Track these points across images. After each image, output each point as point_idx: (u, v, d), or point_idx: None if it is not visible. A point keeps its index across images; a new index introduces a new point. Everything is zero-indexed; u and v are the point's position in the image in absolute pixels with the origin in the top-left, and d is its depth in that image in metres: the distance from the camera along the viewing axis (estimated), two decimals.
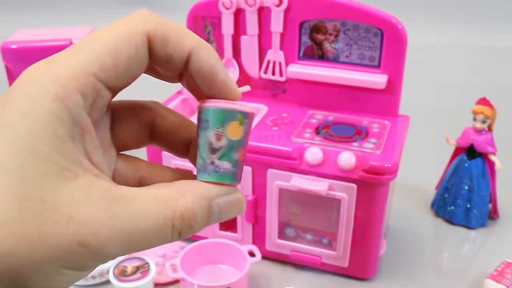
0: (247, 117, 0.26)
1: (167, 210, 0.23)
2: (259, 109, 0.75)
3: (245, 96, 0.81)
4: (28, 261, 0.21)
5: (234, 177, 0.26)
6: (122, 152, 0.28)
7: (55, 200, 0.21)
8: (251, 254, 0.68)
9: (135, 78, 0.25)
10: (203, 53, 0.24)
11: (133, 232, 0.22)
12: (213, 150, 0.26)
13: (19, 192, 0.21)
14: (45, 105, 0.21)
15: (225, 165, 0.26)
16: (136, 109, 0.28)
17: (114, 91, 0.24)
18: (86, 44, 0.23)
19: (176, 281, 0.69)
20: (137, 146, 0.29)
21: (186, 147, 0.29)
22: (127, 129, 0.28)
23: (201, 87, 0.26)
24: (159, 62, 0.25)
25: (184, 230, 0.24)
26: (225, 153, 0.26)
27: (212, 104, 0.25)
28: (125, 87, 0.25)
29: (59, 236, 0.21)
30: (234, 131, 0.26)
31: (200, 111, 0.26)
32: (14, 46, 0.85)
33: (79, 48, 0.23)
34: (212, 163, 0.26)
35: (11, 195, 0.21)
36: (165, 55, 0.24)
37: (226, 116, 0.25)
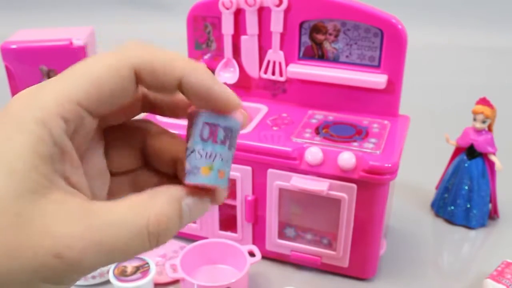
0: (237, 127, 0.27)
1: (141, 216, 0.24)
2: (259, 109, 0.75)
3: (245, 96, 0.82)
4: (5, 272, 0.21)
5: (222, 179, 0.26)
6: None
7: (30, 214, 0.22)
8: (251, 254, 0.68)
9: (122, 106, 0.26)
10: (194, 77, 0.25)
11: (109, 243, 0.23)
12: (209, 162, 0.26)
13: None
14: (29, 127, 0.23)
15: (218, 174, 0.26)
16: (127, 133, 0.29)
17: (100, 115, 0.25)
18: (73, 72, 0.24)
19: (176, 281, 0.69)
20: (131, 168, 0.30)
21: (174, 165, 0.29)
22: (119, 154, 0.29)
23: (197, 105, 0.26)
24: (151, 89, 0.26)
25: (161, 236, 0.24)
26: (219, 166, 0.26)
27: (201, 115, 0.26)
28: (111, 111, 0.26)
29: (35, 248, 0.22)
30: (227, 145, 0.27)
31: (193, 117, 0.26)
32: (14, 46, 0.84)
33: (66, 76, 0.24)
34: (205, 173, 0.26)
35: None
36: (156, 84, 0.25)
37: (219, 133, 0.26)
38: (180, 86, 0.25)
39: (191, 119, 0.26)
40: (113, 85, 0.24)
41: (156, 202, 0.24)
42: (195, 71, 0.25)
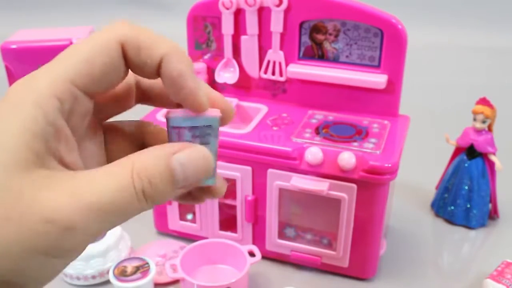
0: (219, 122, 0.27)
1: (124, 173, 0.23)
2: (259, 109, 0.75)
3: (246, 96, 0.82)
4: (2, 243, 0.22)
5: (215, 174, 0.27)
6: None
7: (19, 188, 0.22)
8: (251, 254, 0.68)
9: (114, 85, 0.26)
10: (174, 58, 0.25)
11: (96, 202, 0.23)
12: None
13: None
14: (23, 108, 0.23)
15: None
16: (127, 131, 0.30)
17: (94, 94, 0.26)
18: (64, 55, 0.25)
19: (176, 281, 0.69)
20: None
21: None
22: (118, 149, 0.29)
23: (170, 94, 0.26)
24: (135, 69, 0.26)
25: (146, 189, 0.24)
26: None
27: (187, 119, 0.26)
28: (105, 91, 0.26)
29: (25, 216, 0.22)
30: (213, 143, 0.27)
31: (178, 119, 0.26)
32: (14, 46, 0.84)
33: (58, 59, 0.25)
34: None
35: None
36: (139, 61, 0.25)
37: (201, 132, 0.26)
38: (159, 67, 0.25)
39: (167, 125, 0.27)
40: (102, 61, 0.25)
41: (139, 158, 0.24)
42: (177, 54, 0.25)
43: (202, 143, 0.26)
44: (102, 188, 0.23)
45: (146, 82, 0.29)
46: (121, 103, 0.29)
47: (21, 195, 0.22)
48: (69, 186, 0.23)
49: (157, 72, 0.26)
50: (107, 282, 0.68)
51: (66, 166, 0.25)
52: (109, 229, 0.24)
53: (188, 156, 0.25)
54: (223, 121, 0.28)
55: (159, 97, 0.29)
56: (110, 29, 0.25)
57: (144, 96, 0.30)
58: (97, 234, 0.23)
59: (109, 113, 0.29)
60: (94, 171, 0.24)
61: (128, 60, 0.26)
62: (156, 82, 0.29)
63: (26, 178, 0.23)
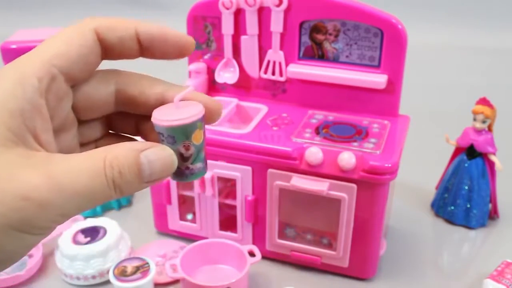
0: (203, 119, 0.29)
1: (97, 161, 0.25)
2: (259, 109, 0.75)
3: (246, 96, 0.82)
4: None
5: (204, 169, 0.31)
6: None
7: None
8: (251, 254, 0.68)
9: (91, 67, 0.29)
10: (147, 24, 0.29)
11: (70, 186, 0.24)
12: (185, 159, 0.29)
13: None
14: (4, 86, 0.25)
15: (198, 165, 0.30)
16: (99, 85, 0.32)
17: (71, 78, 0.28)
18: (45, 41, 0.28)
19: (176, 281, 0.69)
20: (96, 137, 0.33)
21: (140, 121, 0.32)
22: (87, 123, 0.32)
23: (158, 54, 0.31)
24: (113, 48, 0.29)
25: (116, 179, 0.26)
26: (196, 157, 0.30)
27: (174, 122, 0.28)
28: (82, 76, 0.29)
29: (3, 193, 0.23)
30: (198, 137, 0.29)
31: (159, 127, 0.28)
32: (14, 46, 0.84)
33: (40, 45, 0.28)
34: (187, 168, 0.29)
35: None
36: (116, 37, 0.29)
37: (190, 129, 0.28)
38: (138, 36, 0.29)
39: (160, 128, 0.29)
40: (78, 43, 0.28)
41: (112, 149, 0.26)
42: (148, 23, 0.29)
43: (204, 131, 0.29)
44: (77, 172, 0.25)
45: (130, 91, 0.31)
46: (102, 109, 0.31)
47: (13, 170, 0.24)
48: (46, 166, 0.24)
49: (137, 41, 0.29)
50: (107, 282, 0.68)
51: (41, 144, 0.26)
52: (79, 212, 0.26)
53: (155, 154, 0.27)
54: (211, 119, 0.30)
55: (142, 107, 0.31)
56: (84, 20, 0.29)
57: (124, 102, 0.31)
58: (68, 215, 0.25)
59: (88, 116, 0.31)
60: (70, 156, 0.25)
61: (105, 41, 0.29)
62: (139, 95, 0.31)
63: (4, 155, 0.24)
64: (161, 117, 0.28)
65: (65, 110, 0.29)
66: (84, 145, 0.32)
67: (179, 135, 0.28)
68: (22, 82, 0.26)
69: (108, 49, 0.29)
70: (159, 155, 0.27)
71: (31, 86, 0.26)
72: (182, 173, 0.29)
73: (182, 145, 0.28)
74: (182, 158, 0.29)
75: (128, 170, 0.26)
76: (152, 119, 0.28)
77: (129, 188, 0.26)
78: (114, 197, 0.26)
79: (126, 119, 0.33)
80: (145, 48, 0.30)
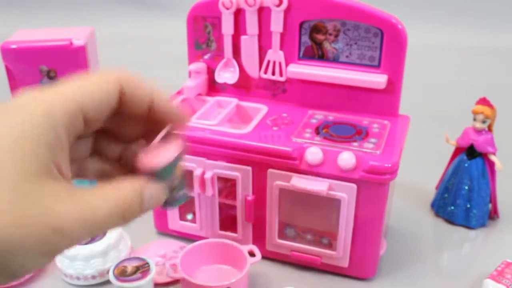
0: (182, 153, 0.35)
1: (114, 198, 0.30)
2: (259, 109, 0.75)
3: (246, 96, 0.82)
4: (16, 241, 0.26)
5: (187, 195, 0.37)
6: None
7: (33, 195, 0.27)
8: (251, 254, 0.68)
9: (105, 113, 0.32)
10: (162, 98, 0.34)
11: (92, 219, 0.29)
12: (171, 190, 0.35)
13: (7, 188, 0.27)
14: (35, 119, 0.28)
15: (181, 193, 0.36)
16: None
17: (87, 119, 0.31)
18: (70, 81, 0.31)
19: (176, 281, 0.69)
20: (82, 156, 0.36)
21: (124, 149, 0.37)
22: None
23: (156, 121, 0.35)
24: (128, 104, 0.33)
25: (126, 212, 0.31)
26: (180, 186, 0.35)
27: (159, 162, 0.34)
28: (95, 119, 0.32)
29: (39, 224, 0.27)
30: (179, 169, 0.35)
31: (148, 169, 0.34)
32: (14, 46, 0.84)
33: (68, 82, 0.31)
34: (174, 197, 0.35)
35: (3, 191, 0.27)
36: (134, 97, 0.33)
37: (172, 165, 0.34)
38: (151, 105, 0.34)
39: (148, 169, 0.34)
40: (103, 91, 0.31)
41: (121, 188, 0.31)
42: (164, 96, 0.35)
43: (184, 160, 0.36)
44: (99, 208, 0.29)
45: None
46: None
47: (35, 203, 0.27)
48: (74, 201, 0.29)
49: (148, 107, 0.34)
50: (107, 282, 0.68)
51: (61, 174, 0.30)
52: (93, 236, 0.32)
53: (152, 190, 0.33)
54: (180, 125, 0.36)
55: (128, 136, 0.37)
56: (110, 69, 0.33)
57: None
58: (83, 240, 0.30)
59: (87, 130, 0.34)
60: (91, 192, 0.30)
61: (124, 95, 0.33)
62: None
63: (37, 186, 0.27)
64: (148, 160, 0.34)
65: (77, 143, 0.33)
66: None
67: (164, 173, 0.34)
68: (52, 116, 0.29)
69: (122, 103, 0.33)
70: (155, 191, 0.33)
71: (59, 121, 0.29)
72: (171, 202, 0.36)
73: (168, 180, 0.34)
74: (169, 189, 0.35)
75: (135, 205, 0.32)
76: (140, 164, 0.34)
77: (132, 218, 0.32)
78: (119, 225, 0.31)
79: (112, 144, 0.37)
80: (151, 115, 0.35)
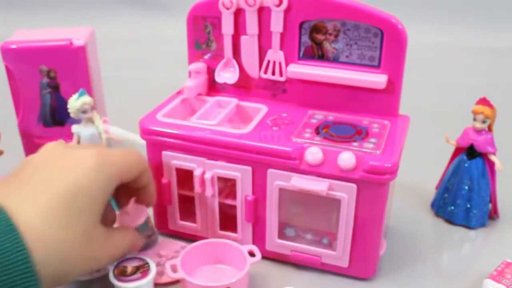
0: (148, 216, 0.67)
1: (126, 243, 0.58)
2: (259, 109, 0.75)
3: (246, 96, 0.82)
4: (77, 271, 0.49)
5: (157, 237, 0.71)
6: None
7: (98, 237, 0.49)
8: (251, 254, 0.68)
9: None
10: (150, 195, 0.64)
11: (115, 256, 0.54)
12: (147, 236, 0.69)
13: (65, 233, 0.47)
14: (104, 179, 0.49)
15: (154, 237, 0.72)
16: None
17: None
18: (120, 153, 0.56)
19: (176, 281, 0.69)
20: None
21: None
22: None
23: (140, 197, 0.63)
24: (132, 181, 0.58)
25: (127, 251, 0.59)
26: (152, 232, 0.71)
27: (136, 223, 0.64)
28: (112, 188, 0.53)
29: (103, 257, 0.51)
30: (150, 222, 0.69)
31: (133, 227, 0.64)
32: (14, 46, 0.84)
33: (117, 155, 0.55)
34: (150, 241, 0.71)
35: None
36: (140, 178, 0.59)
37: (146, 222, 0.67)
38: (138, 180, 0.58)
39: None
40: (131, 174, 0.55)
41: (127, 235, 0.59)
42: (151, 194, 0.64)
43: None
44: (118, 248, 0.55)
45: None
46: None
47: (100, 243, 0.49)
48: (110, 243, 0.53)
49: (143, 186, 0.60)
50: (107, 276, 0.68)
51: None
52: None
53: (139, 238, 0.64)
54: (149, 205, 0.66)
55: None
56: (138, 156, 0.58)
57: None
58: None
59: None
60: (117, 236, 0.56)
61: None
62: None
63: (99, 231, 0.49)
64: (128, 221, 0.63)
65: None
66: None
67: (141, 228, 0.65)
68: (111, 179, 0.49)
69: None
70: (140, 238, 0.64)
71: (114, 184, 0.50)
72: (147, 244, 0.68)
73: (146, 231, 0.67)
74: (147, 236, 0.67)
75: (131, 248, 0.60)
76: (122, 222, 0.63)
77: (127, 254, 0.58)
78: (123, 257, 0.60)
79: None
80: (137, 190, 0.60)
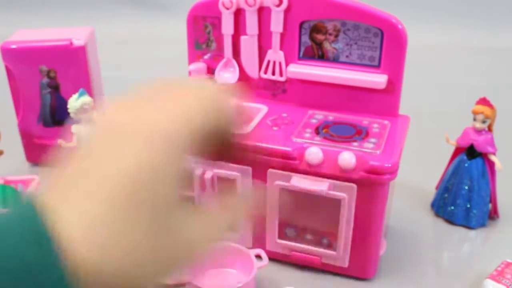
0: None
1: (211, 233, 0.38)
2: (259, 109, 0.75)
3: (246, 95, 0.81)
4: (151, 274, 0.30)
5: None
6: None
7: (171, 225, 0.31)
8: (258, 257, 0.68)
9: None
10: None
11: (198, 248, 0.36)
12: None
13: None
14: (178, 158, 0.31)
15: None
16: None
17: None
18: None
19: (182, 285, 0.68)
20: None
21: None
22: None
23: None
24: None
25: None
26: None
27: None
28: None
29: (172, 252, 0.31)
30: None
31: None
32: (14, 46, 0.85)
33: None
34: None
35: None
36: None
37: None
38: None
39: None
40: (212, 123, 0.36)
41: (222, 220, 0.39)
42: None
43: None
44: (201, 241, 0.36)
45: None
46: None
47: (171, 232, 0.30)
48: (188, 234, 0.33)
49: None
50: None
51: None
52: None
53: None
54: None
55: None
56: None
57: None
58: None
59: None
60: (196, 227, 0.34)
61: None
62: None
63: (175, 218, 0.31)
64: None
65: None
66: None
67: None
68: (188, 159, 0.32)
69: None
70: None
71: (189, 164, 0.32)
72: None
73: None
74: None
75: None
76: None
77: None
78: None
79: None
80: None
